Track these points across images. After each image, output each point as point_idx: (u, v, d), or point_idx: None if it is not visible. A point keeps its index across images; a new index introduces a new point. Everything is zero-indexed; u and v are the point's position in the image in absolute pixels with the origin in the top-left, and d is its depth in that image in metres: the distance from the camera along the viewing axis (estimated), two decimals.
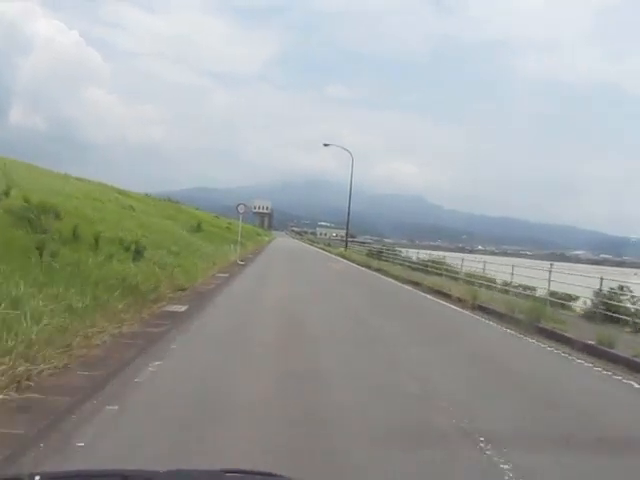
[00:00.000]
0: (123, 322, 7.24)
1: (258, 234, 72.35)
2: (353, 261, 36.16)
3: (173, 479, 1.28)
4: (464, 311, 14.20)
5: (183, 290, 11.20)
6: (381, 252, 39.59)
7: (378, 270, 27.79)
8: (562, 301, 16.12)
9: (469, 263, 27.27)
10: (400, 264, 33.77)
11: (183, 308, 9.81)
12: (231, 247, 26.57)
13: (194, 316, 9.57)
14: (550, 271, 16.69)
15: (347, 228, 47.09)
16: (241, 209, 26.47)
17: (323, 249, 58.70)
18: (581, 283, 15.54)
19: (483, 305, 14.75)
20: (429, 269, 27.70)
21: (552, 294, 16.25)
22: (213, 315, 10.09)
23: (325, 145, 47.06)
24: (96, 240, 10.54)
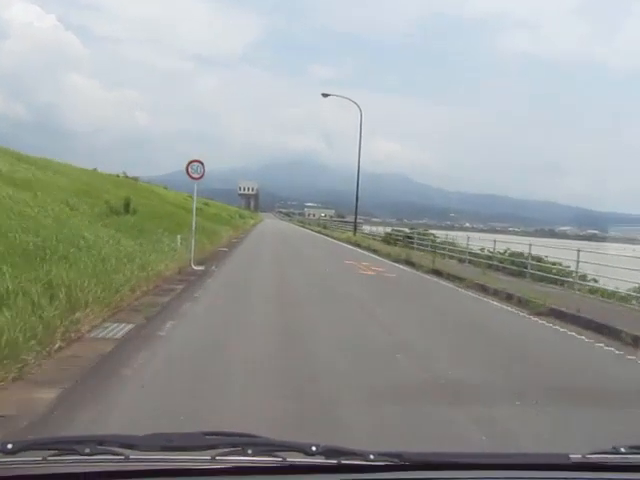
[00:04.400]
0: None
1: (241, 216, 59.34)
2: (375, 251, 23.76)
3: (150, 443, 1.17)
4: None
5: None
6: (410, 238, 27.23)
7: (438, 273, 15.46)
8: None
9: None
10: (452, 256, 21.50)
11: None
12: (178, 241, 14.01)
13: None
14: None
15: (356, 208, 34.13)
16: (194, 171, 13.81)
17: (321, 232, 46.15)
18: None
19: None
20: (524, 269, 15.51)
21: None
22: None
23: (324, 95, 34.21)
24: None
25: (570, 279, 14.46)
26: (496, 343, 7.38)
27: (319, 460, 1.17)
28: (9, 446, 1.14)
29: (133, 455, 1.15)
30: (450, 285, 13.57)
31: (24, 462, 1.14)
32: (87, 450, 1.13)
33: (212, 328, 7.26)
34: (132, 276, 8.59)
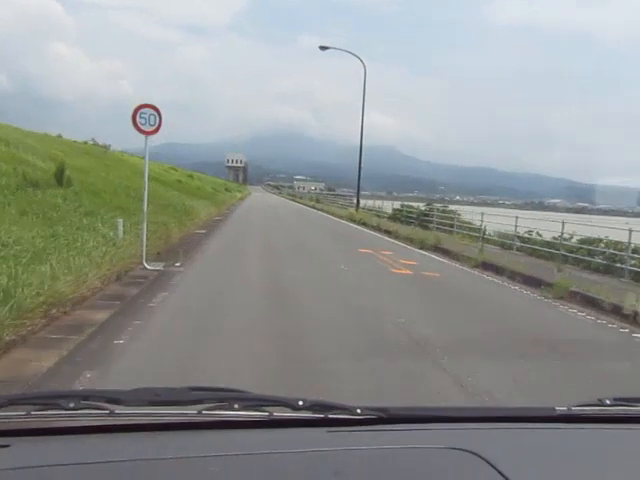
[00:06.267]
0: None
1: (228, 189, 54.11)
2: (389, 233, 19.13)
3: (136, 397, 1.14)
4: None
5: None
6: (426, 215, 22.54)
7: (495, 270, 10.89)
8: None
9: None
10: (486, 239, 16.95)
11: None
12: (121, 228, 9.22)
13: None
14: None
15: (359, 180, 29.09)
16: (146, 122, 8.93)
17: (315, 207, 41.29)
18: None
19: None
20: (618, 264, 10.95)
21: None
22: None
23: (322, 49, 28.94)
24: None
25: None
26: None
27: (306, 414, 1.16)
28: None
29: (119, 410, 1.11)
30: (532, 295, 8.91)
31: (7, 417, 1.09)
32: (72, 404, 1.09)
33: None
34: None
